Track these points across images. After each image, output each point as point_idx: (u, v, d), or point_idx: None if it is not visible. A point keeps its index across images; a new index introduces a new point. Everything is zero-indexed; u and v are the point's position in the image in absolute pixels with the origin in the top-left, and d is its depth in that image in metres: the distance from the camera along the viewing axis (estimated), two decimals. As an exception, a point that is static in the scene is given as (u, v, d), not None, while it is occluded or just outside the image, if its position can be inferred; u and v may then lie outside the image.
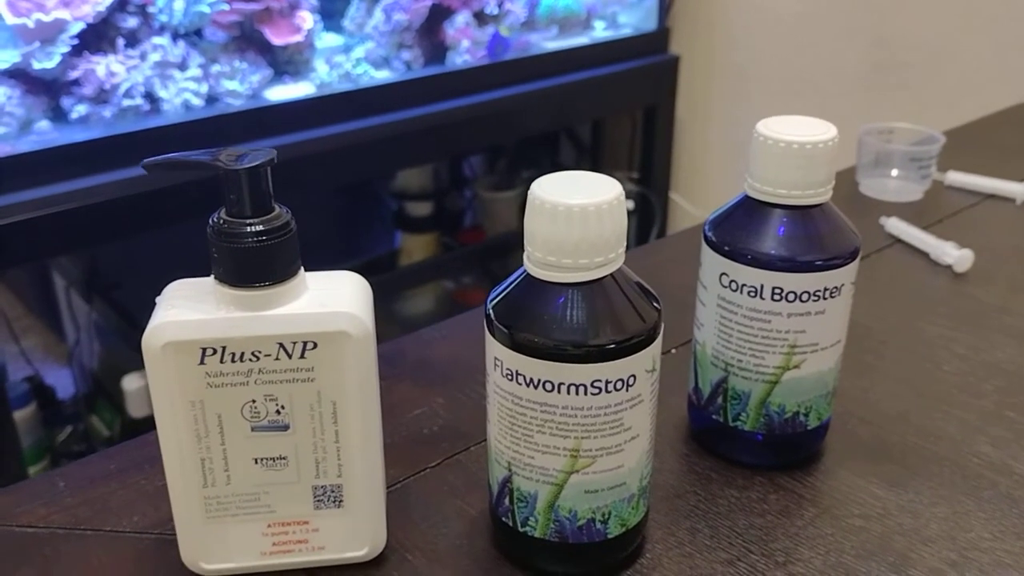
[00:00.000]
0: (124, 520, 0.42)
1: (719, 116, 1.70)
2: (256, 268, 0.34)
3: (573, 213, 0.33)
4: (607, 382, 0.35)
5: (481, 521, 0.42)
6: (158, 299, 0.36)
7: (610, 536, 0.38)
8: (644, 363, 0.35)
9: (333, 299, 0.36)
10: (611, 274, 0.35)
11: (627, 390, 0.35)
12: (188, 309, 0.35)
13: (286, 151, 1.23)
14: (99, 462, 0.46)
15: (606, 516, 0.37)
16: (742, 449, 0.45)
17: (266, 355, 0.35)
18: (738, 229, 0.42)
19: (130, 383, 1.35)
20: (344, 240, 1.82)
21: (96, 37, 1.14)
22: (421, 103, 1.36)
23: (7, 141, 1.09)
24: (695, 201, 1.78)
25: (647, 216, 1.76)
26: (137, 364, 1.42)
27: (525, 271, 0.36)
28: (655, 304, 0.36)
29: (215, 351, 0.35)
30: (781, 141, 0.40)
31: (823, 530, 0.41)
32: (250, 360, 0.35)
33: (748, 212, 0.42)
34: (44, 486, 0.44)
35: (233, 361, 0.35)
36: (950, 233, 0.69)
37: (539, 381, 0.35)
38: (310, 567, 0.39)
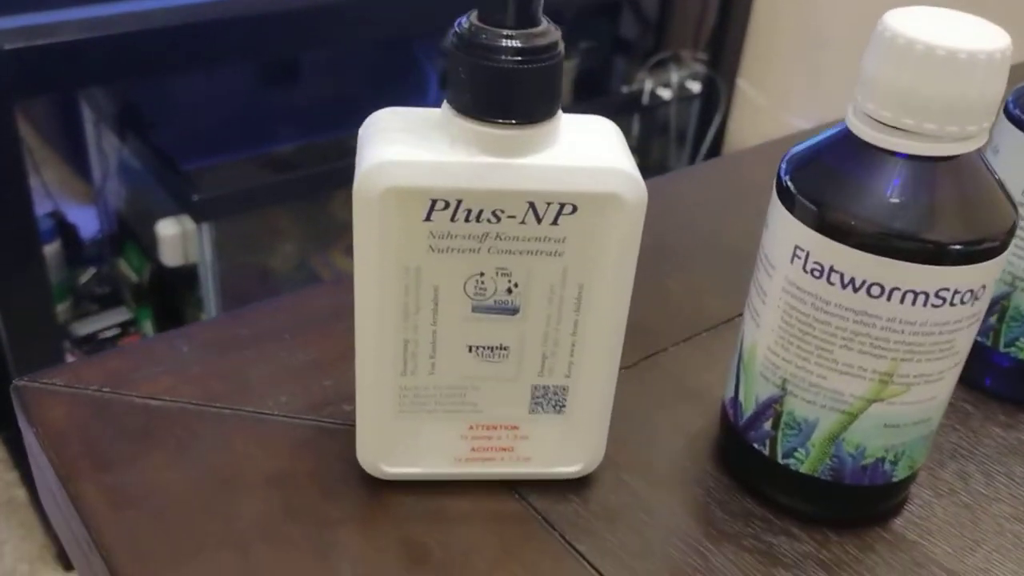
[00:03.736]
0: (269, 400, 0.34)
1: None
2: (514, 98, 0.26)
3: (959, 60, 0.25)
4: (955, 293, 0.27)
5: (702, 439, 0.34)
6: (362, 131, 0.28)
7: (895, 479, 0.30)
8: (994, 272, 0.27)
9: (598, 151, 0.27)
10: (976, 150, 0.27)
11: (972, 304, 0.27)
12: (415, 147, 0.26)
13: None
14: (225, 325, 0.38)
15: (898, 456, 0.30)
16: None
17: (509, 216, 0.27)
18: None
19: (165, 228, 1.26)
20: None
21: None
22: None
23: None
24: (765, 90, 1.67)
25: (712, 102, 1.65)
26: (171, 210, 1.33)
27: (846, 128, 0.27)
28: (1011, 199, 0.28)
29: (447, 205, 0.26)
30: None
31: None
32: (488, 221, 0.27)
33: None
34: (164, 349, 0.36)
35: (467, 220, 0.27)
36: None
37: (862, 283, 0.27)
38: (509, 479, 0.32)
